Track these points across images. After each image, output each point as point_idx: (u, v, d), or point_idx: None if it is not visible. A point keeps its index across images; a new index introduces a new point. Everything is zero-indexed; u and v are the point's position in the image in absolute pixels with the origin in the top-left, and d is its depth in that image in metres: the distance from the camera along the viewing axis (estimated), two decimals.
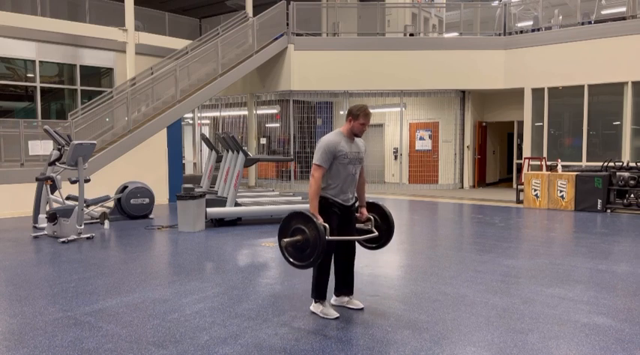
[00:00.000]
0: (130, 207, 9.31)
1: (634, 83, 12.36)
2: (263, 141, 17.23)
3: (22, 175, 10.19)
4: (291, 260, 3.83)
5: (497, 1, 15.94)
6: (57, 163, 8.10)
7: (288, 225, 3.84)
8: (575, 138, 13.29)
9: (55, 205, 8.25)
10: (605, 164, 10.61)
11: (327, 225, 3.75)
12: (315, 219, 3.71)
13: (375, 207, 4.42)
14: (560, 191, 10.67)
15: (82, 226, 7.44)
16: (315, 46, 14.73)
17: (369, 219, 4.32)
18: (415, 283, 5.05)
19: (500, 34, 14.45)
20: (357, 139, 4.14)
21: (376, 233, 4.24)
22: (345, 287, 4.30)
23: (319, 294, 4.10)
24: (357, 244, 4.35)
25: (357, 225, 4.31)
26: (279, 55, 14.57)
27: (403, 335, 3.69)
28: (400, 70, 14.44)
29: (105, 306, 4.35)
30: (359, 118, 4.00)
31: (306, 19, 14.96)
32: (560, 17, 13.78)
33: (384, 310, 4.25)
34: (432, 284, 5.02)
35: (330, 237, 3.80)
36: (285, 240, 3.80)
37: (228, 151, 9.46)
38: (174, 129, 12.30)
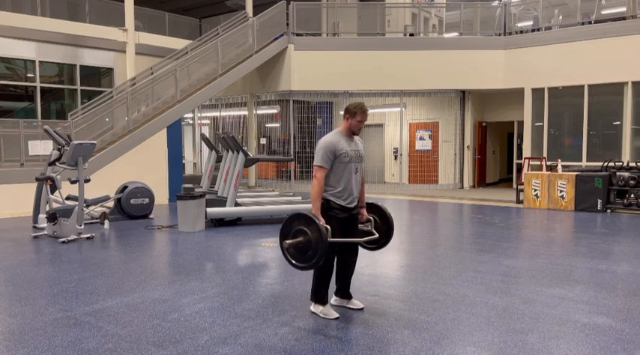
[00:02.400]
0: (130, 207, 9.31)
1: (634, 83, 12.36)
2: (263, 141, 17.23)
3: (22, 175, 10.19)
4: (293, 261, 3.82)
5: (497, 1, 15.95)
6: (57, 163, 8.09)
7: (290, 226, 3.83)
8: (575, 138, 13.29)
9: (55, 205, 8.25)
10: (605, 164, 10.61)
11: (329, 227, 3.75)
12: (317, 221, 3.71)
13: (374, 208, 4.41)
14: (560, 191, 10.67)
15: (82, 226, 7.44)
16: (315, 46, 14.73)
17: (368, 220, 4.32)
18: (415, 283, 5.05)
19: (500, 34, 14.45)
20: (355, 138, 4.15)
21: (377, 234, 4.24)
22: (344, 291, 4.31)
23: (319, 298, 4.09)
24: (358, 250, 4.34)
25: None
26: (279, 55, 14.57)
27: (403, 335, 3.69)
28: (400, 70, 14.44)
29: (105, 306, 4.35)
30: (356, 116, 4.01)
31: (306, 19, 14.96)
32: (560, 17, 13.78)
33: (384, 310, 4.25)
34: (432, 284, 5.02)
35: (332, 239, 3.80)
36: (287, 241, 3.79)
37: (228, 151, 9.46)
38: (174, 129, 12.30)
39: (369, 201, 4.44)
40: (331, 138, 3.97)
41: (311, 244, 3.71)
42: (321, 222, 3.75)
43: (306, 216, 3.76)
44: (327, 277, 4.06)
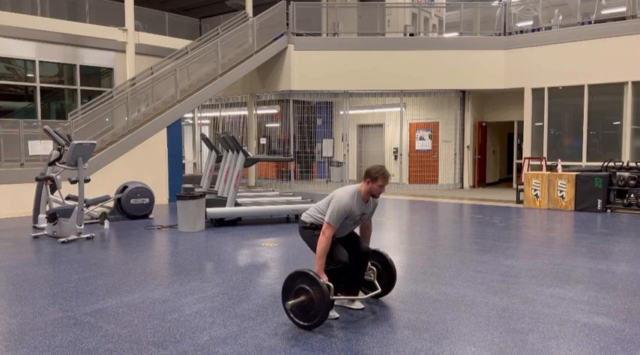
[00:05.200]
0: (130, 207, 9.31)
1: (634, 83, 12.36)
2: (263, 141, 17.23)
3: (22, 175, 10.19)
4: (296, 320, 3.84)
5: (497, 1, 15.94)
6: (57, 163, 8.10)
7: (293, 284, 3.86)
8: (575, 138, 13.29)
9: (55, 205, 8.25)
10: (605, 164, 10.61)
11: (331, 285, 3.78)
12: (319, 280, 3.72)
13: (377, 256, 4.48)
14: (560, 191, 10.67)
15: (82, 226, 7.44)
16: (315, 46, 14.73)
17: (370, 269, 4.37)
18: (415, 283, 5.05)
19: (500, 34, 14.45)
20: (370, 199, 4.13)
21: (379, 290, 4.36)
22: (351, 291, 4.31)
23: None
24: (369, 252, 4.35)
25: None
26: (279, 55, 14.57)
27: (403, 335, 3.69)
28: (400, 70, 14.44)
29: (105, 306, 4.35)
30: (377, 181, 3.96)
31: (306, 19, 14.96)
32: (560, 17, 13.78)
33: (384, 310, 4.25)
34: (432, 284, 5.02)
35: (334, 297, 3.85)
36: (289, 302, 3.82)
37: (228, 151, 9.46)
38: (174, 129, 12.30)
39: (372, 249, 4.48)
40: (348, 202, 3.94)
41: (313, 304, 3.73)
42: (324, 279, 3.78)
43: (308, 275, 3.78)
44: (336, 283, 4.06)
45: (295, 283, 3.85)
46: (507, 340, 3.60)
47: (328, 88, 14.81)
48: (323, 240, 3.88)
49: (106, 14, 14.69)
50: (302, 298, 3.78)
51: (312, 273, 3.78)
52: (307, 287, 3.76)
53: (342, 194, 3.98)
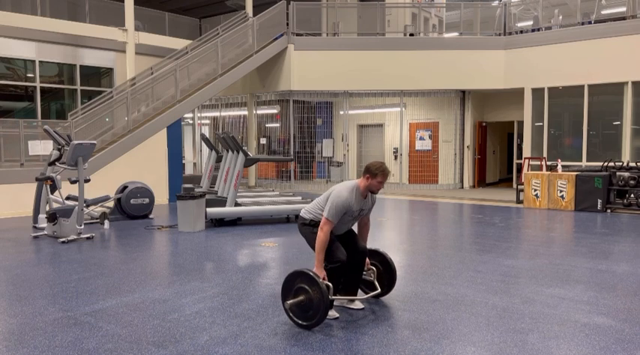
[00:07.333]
0: (130, 207, 9.31)
1: (634, 83, 12.36)
2: (263, 141, 17.23)
3: (22, 175, 10.19)
4: (295, 319, 3.85)
5: (497, 1, 15.95)
6: (57, 163, 8.10)
7: (292, 284, 3.86)
8: (575, 138, 13.29)
9: (55, 205, 8.24)
10: (605, 164, 10.61)
11: (330, 285, 3.79)
12: (318, 280, 3.72)
13: (377, 256, 4.48)
14: (560, 191, 10.67)
15: (82, 226, 7.43)
16: (315, 45, 14.73)
17: (370, 269, 4.37)
18: (415, 283, 5.05)
19: (500, 34, 14.45)
20: (369, 195, 4.14)
21: (379, 290, 4.35)
22: (350, 291, 4.31)
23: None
24: (367, 252, 4.35)
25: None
26: (279, 55, 14.57)
27: (403, 335, 3.69)
28: (400, 70, 14.44)
29: (105, 306, 4.35)
30: (377, 177, 3.97)
31: (306, 19, 14.97)
32: (560, 17, 13.78)
33: (384, 310, 4.25)
34: (432, 284, 5.02)
35: (333, 297, 3.86)
36: (288, 302, 3.83)
37: (228, 151, 9.46)
38: (174, 129, 12.31)
39: (372, 248, 4.49)
40: (346, 197, 3.94)
41: (312, 304, 3.74)
42: (322, 276, 3.79)
43: (308, 274, 3.79)
44: (334, 284, 4.06)
45: (294, 282, 3.85)
46: (507, 340, 3.61)
47: (328, 88, 14.81)
48: (321, 235, 3.88)
49: (106, 14, 14.69)
50: (301, 298, 3.78)
51: (311, 273, 3.78)
52: (306, 287, 3.77)
53: (341, 189, 3.98)
